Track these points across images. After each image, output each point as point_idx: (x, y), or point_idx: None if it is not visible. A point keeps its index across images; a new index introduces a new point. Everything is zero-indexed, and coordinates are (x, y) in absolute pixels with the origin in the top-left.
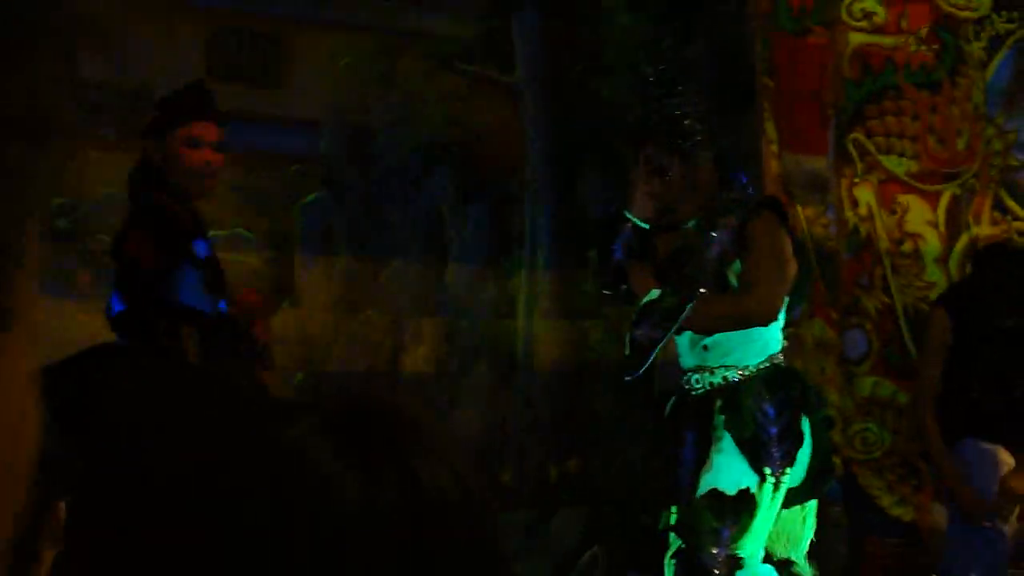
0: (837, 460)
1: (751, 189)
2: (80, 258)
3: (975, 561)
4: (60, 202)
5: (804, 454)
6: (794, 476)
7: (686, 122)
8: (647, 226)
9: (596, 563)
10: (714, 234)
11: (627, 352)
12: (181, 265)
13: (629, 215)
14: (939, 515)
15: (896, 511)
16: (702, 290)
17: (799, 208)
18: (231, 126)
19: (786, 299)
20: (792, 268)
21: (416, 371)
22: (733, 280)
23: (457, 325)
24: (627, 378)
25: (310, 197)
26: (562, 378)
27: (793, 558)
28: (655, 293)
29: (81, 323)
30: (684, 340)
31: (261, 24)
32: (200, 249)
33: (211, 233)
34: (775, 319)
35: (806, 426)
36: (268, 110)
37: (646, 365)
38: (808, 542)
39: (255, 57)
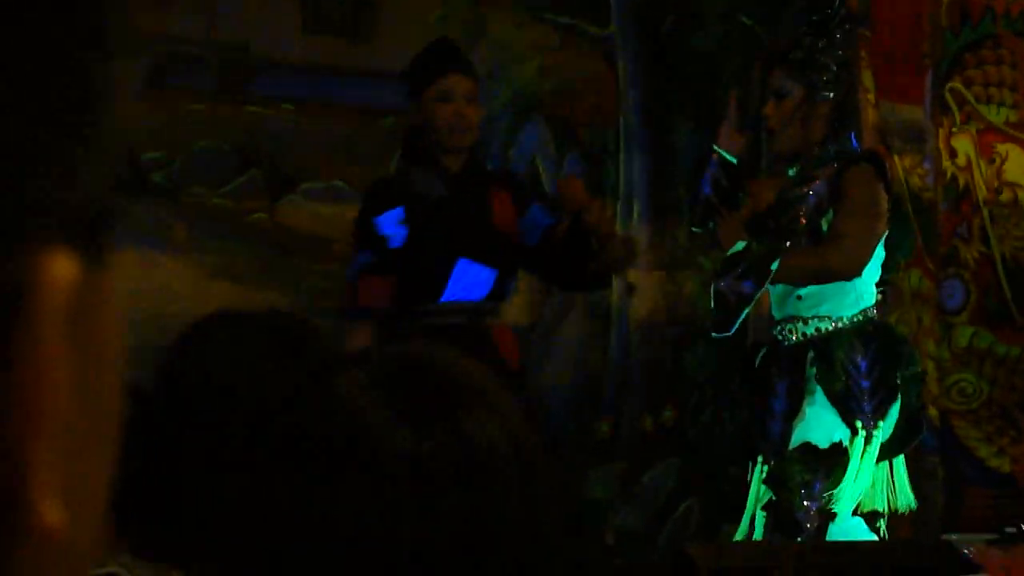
0: (934, 411)
1: (856, 145)
2: (176, 212)
3: None
4: (155, 156)
5: (895, 409)
6: (885, 431)
7: (821, 58)
8: (735, 160)
9: (690, 515)
10: (812, 184)
11: (712, 305)
12: (363, 247)
13: (717, 148)
14: None
15: (994, 462)
16: (788, 243)
17: (896, 158)
18: (324, 79)
19: (881, 253)
20: (883, 223)
21: (513, 321)
22: (826, 229)
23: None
24: (714, 335)
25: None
26: (657, 329)
27: (881, 510)
28: (740, 245)
29: (177, 275)
30: (777, 290)
31: None
32: (388, 226)
33: (305, 185)
34: (859, 274)
35: (897, 381)
36: (361, 63)
37: (736, 324)
38: (905, 495)
39: (347, 11)
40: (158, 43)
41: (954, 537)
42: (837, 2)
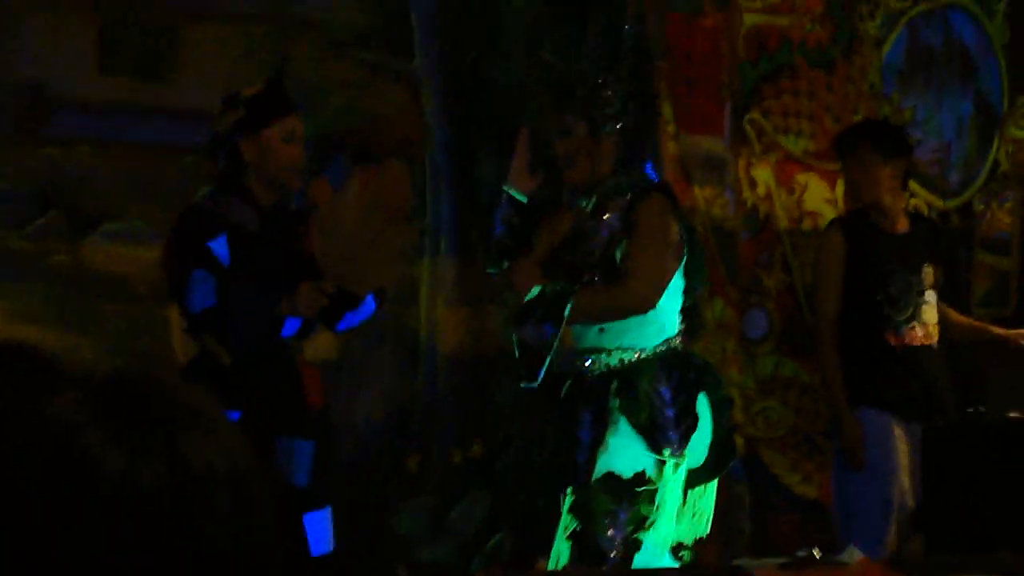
0: (740, 439)
1: (652, 176)
2: None
3: (858, 506)
4: None
5: (703, 435)
6: (694, 457)
7: (605, 93)
8: (525, 199)
9: (502, 547)
10: (604, 216)
11: (516, 354)
12: (189, 271)
13: (507, 188)
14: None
15: (801, 489)
16: (587, 279)
17: (697, 189)
18: (122, 119)
19: (680, 282)
20: (672, 255)
21: (322, 357)
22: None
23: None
24: (523, 386)
25: (205, 189)
26: (464, 363)
27: (684, 541)
28: (536, 290)
29: None
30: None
31: (151, 16)
32: (220, 249)
33: (105, 226)
34: (652, 307)
35: (705, 407)
36: (161, 102)
37: (543, 371)
38: (707, 523)
39: (146, 49)
40: None
41: (745, 561)
42: (624, 36)
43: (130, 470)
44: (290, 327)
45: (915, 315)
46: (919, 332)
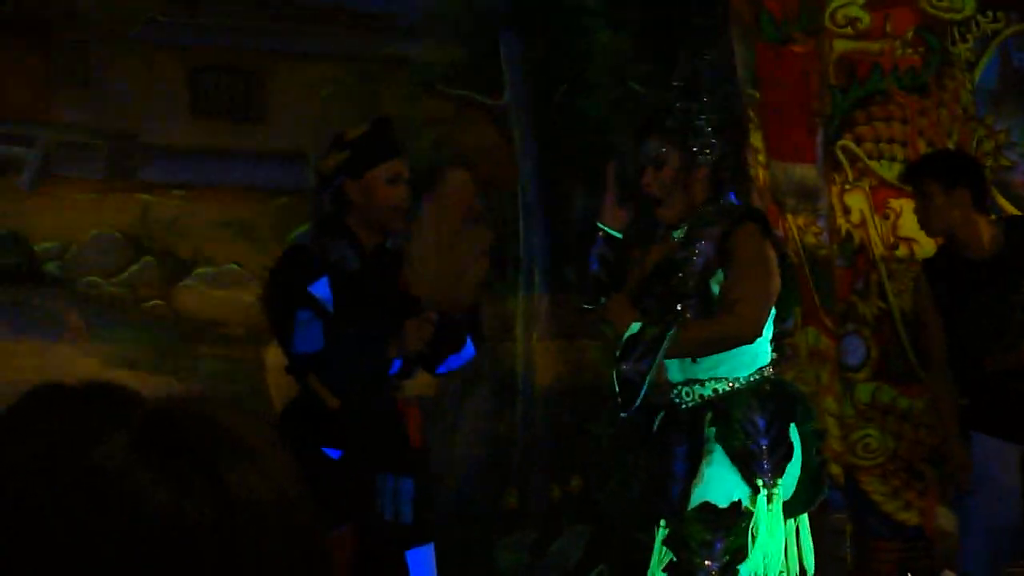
0: (837, 468)
1: (736, 202)
2: (71, 301)
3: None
4: (48, 245)
5: (794, 467)
6: (785, 489)
7: (697, 123)
8: (619, 235)
9: None
10: (698, 246)
11: (616, 388)
12: (293, 313)
13: (600, 225)
14: (945, 519)
15: (901, 516)
16: (685, 314)
17: (790, 217)
18: (214, 162)
19: (773, 311)
20: (775, 281)
21: (419, 394)
22: (716, 290)
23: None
24: (622, 415)
25: (300, 229)
26: (561, 398)
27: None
28: (635, 326)
29: (73, 364)
30: None
31: (241, 59)
32: (322, 291)
33: (199, 270)
34: (759, 335)
35: (795, 438)
36: (252, 144)
37: (639, 400)
38: (808, 556)
39: (237, 92)
40: (45, 132)
41: None
42: (711, 66)
43: (175, 510)
44: (393, 367)
45: (1014, 338)
46: (1013, 357)
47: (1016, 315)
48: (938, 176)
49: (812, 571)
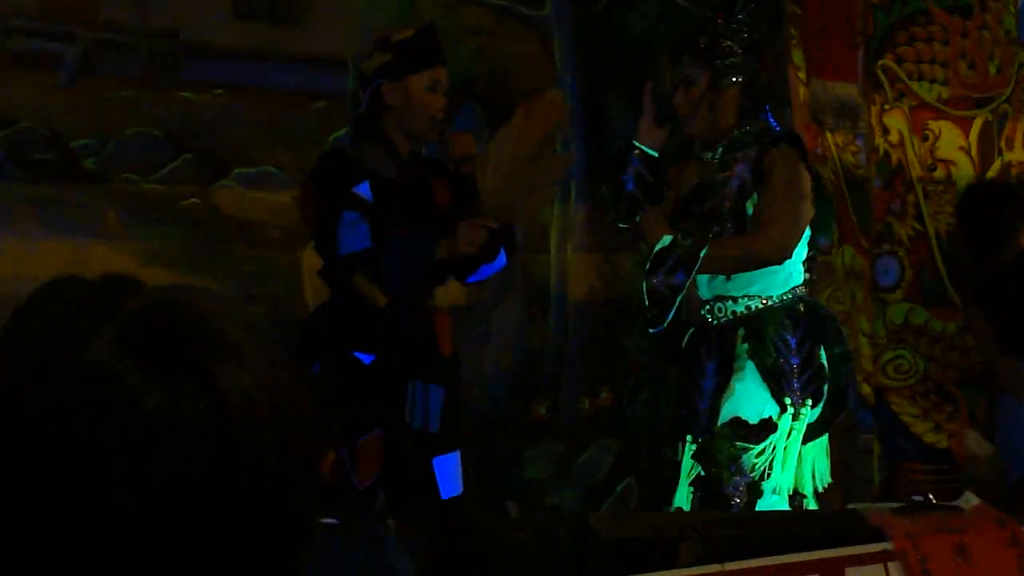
0: (867, 388)
1: (775, 124)
2: (108, 198)
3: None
4: (86, 142)
5: (824, 388)
6: (814, 410)
7: (726, 43)
8: (656, 154)
9: (629, 495)
10: (734, 168)
11: (645, 302)
12: (338, 214)
13: (637, 144)
14: (974, 442)
15: (931, 438)
16: (716, 229)
17: (829, 135)
18: (255, 65)
19: (808, 231)
20: (808, 205)
21: (451, 303)
22: (751, 212)
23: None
24: (651, 330)
25: (337, 134)
26: (594, 311)
27: (803, 491)
28: (667, 239)
29: (110, 262)
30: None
31: None
32: (365, 193)
33: (238, 171)
34: (788, 257)
35: (823, 359)
36: (292, 48)
37: (669, 317)
38: (823, 476)
39: None
40: (88, 30)
41: (860, 505)
42: None
43: (170, 409)
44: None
45: None
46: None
47: None
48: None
49: (822, 488)
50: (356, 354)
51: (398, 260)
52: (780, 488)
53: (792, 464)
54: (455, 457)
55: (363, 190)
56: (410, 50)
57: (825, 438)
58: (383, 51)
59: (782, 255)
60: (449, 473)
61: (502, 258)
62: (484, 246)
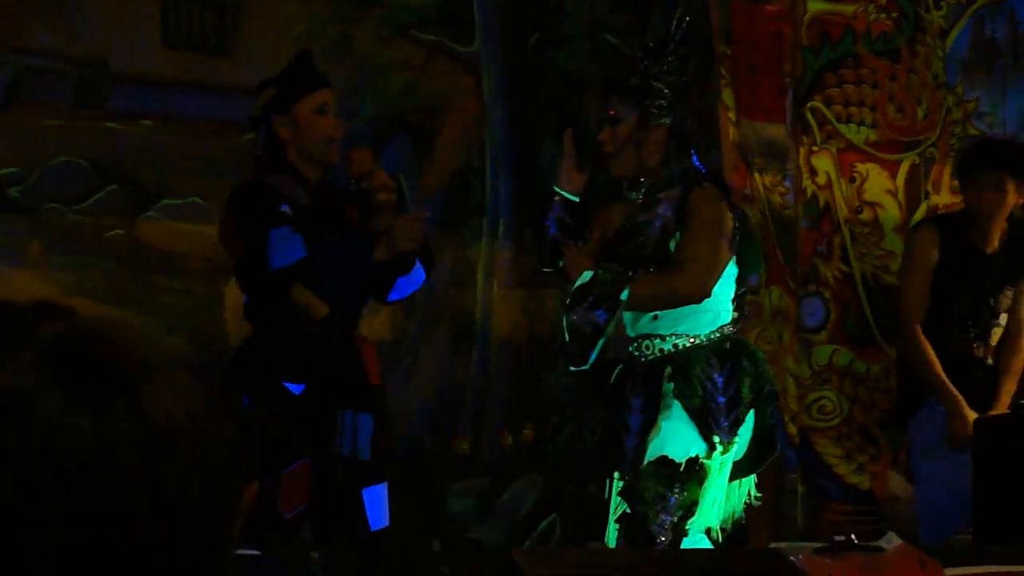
0: (793, 428)
1: (699, 166)
2: (31, 228)
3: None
4: (11, 170)
5: (747, 427)
6: (739, 448)
7: (656, 84)
8: (576, 199)
9: (554, 531)
10: (658, 208)
11: (566, 338)
12: (266, 233)
13: (558, 189)
14: (896, 483)
15: (853, 479)
16: (639, 270)
17: (757, 176)
18: (184, 94)
19: (733, 270)
20: (728, 244)
21: (376, 336)
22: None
23: (416, 292)
24: (572, 368)
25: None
26: (518, 347)
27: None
28: (587, 275)
29: (32, 292)
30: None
31: None
32: (285, 209)
33: (165, 202)
34: (708, 296)
35: (750, 398)
36: (221, 78)
37: (593, 356)
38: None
39: (208, 25)
40: (15, 57)
41: (783, 545)
42: (674, 25)
43: (96, 432)
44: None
45: (982, 335)
46: (980, 351)
47: (987, 317)
48: (1018, 173)
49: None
50: (286, 384)
51: (336, 264)
52: (703, 525)
53: (717, 503)
54: (383, 489)
55: (285, 209)
56: (289, 78)
57: (752, 479)
58: (265, 88)
59: (700, 294)
60: (378, 504)
61: (420, 272)
62: (379, 276)
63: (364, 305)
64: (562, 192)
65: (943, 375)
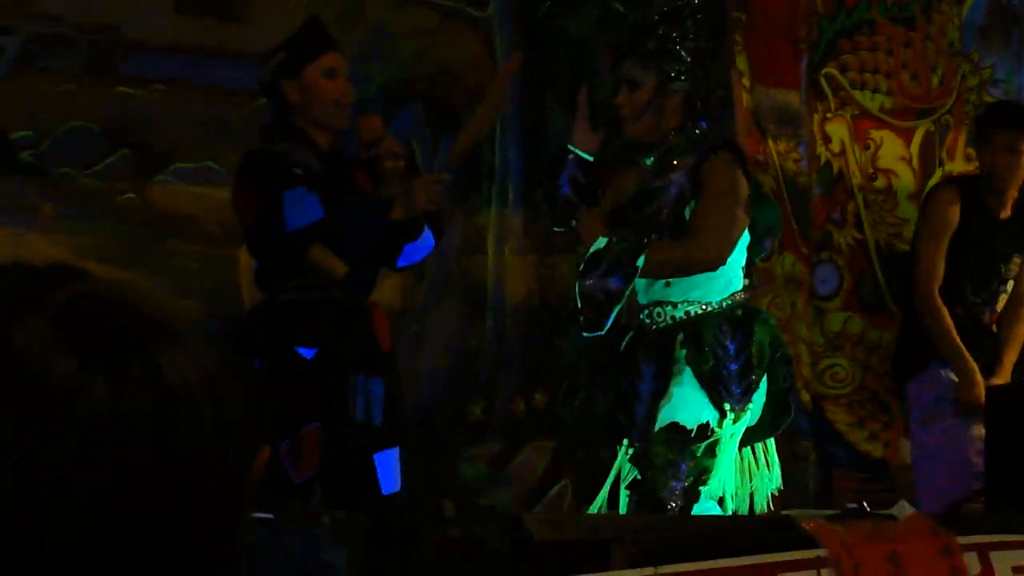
0: (806, 395)
1: (711, 135)
2: (43, 191)
3: (937, 453)
4: (25, 134)
5: (760, 393)
6: (753, 414)
7: (674, 47)
8: (590, 158)
9: (563, 497)
10: (672, 175)
11: (578, 304)
12: (280, 194)
13: (572, 148)
14: (908, 451)
15: (865, 447)
16: (654, 236)
17: (771, 143)
18: (196, 60)
19: (746, 237)
20: (744, 212)
21: (385, 303)
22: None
23: (426, 259)
24: (586, 335)
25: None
26: (530, 313)
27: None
28: (602, 241)
29: (44, 255)
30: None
31: None
32: (299, 172)
33: (176, 166)
34: (723, 264)
35: (764, 364)
36: (233, 44)
37: (608, 323)
38: (776, 476)
39: None
40: (28, 22)
41: (794, 512)
42: None
43: (111, 396)
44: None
45: (989, 300)
46: (987, 316)
47: (996, 284)
48: None
49: (776, 491)
50: (298, 349)
51: (355, 223)
52: (716, 492)
53: (729, 468)
54: (395, 453)
55: (298, 172)
56: (298, 43)
57: (772, 442)
58: (275, 53)
59: (716, 261)
60: (390, 469)
61: (429, 238)
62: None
63: (379, 269)
64: (576, 151)
65: (959, 341)
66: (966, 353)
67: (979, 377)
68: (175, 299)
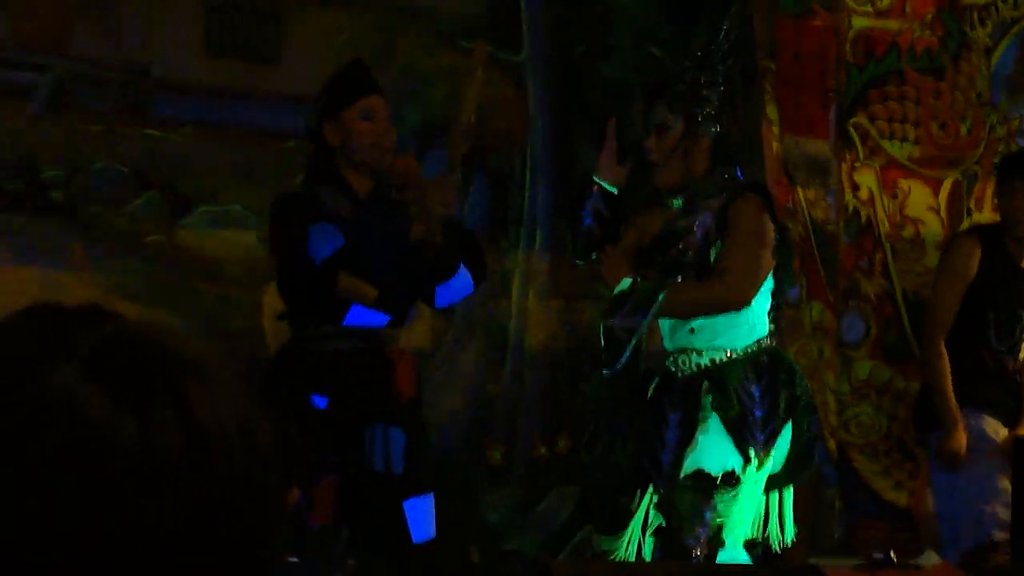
0: (832, 444)
1: (740, 176)
2: (75, 230)
3: (959, 501)
4: (55, 173)
5: (784, 439)
6: (776, 461)
7: (704, 92)
8: (615, 190)
9: (588, 543)
10: (699, 216)
11: (602, 343)
12: (306, 229)
13: (597, 179)
14: (934, 501)
15: (891, 495)
16: (678, 277)
17: (799, 191)
18: (225, 102)
19: (770, 282)
20: (770, 254)
21: (415, 347)
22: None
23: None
24: (605, 372)
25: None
26: (553, 357)
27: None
28: (627, 282)
29: (72, 294)
30: (668, 323)
31: (259, 0)
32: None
33: (203, 209)
34: (747, 305)
35: (789, 411)
36: (265, 86)
37: (624, 358)
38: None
39: (252, 33)
40: (61, 62)
41: (820, 561)
42: (721, 36)
43: (143, 437)
44: (381, 318)
45: (1014, 349)
46: (1011, 364)
47: (1020, 331)
48: None
49: (789, 544)
50: (313, 397)
51: (377, 243)
52: (738, 538)
53: (751, 515)
54: (428, 500)
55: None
56: (339, 85)
57: (790, 491)
58: (320, 97)
59: (741, 302)
60: (421, 517)
61: (466, 279)
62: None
63: (411, 305)
64: (601, 182)
65: (950, 390)
66: (954, 404)
67: (960, 432)
68: (201, 340)
